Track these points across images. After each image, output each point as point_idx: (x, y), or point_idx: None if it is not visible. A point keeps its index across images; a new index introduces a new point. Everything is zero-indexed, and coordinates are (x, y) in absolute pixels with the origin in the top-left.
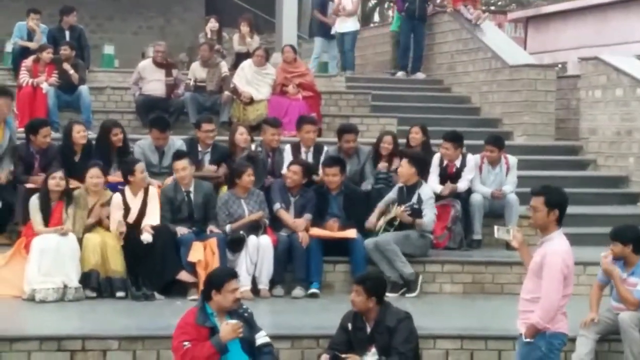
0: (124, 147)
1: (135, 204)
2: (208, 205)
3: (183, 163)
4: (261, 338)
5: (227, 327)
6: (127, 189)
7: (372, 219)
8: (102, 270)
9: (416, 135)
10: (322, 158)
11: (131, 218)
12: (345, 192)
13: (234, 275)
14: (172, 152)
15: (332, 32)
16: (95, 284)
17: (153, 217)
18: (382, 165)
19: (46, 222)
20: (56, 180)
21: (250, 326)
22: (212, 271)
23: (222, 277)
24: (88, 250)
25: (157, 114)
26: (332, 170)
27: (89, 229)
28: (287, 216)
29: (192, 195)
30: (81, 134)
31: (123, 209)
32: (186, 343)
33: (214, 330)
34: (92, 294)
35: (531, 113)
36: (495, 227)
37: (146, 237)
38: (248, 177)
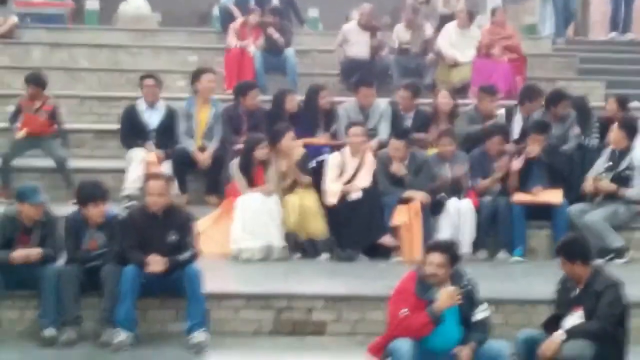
0: (330, 109)
1: (351, 166)
2: (417, 174)
3: (397, 144)
4: (480, 312)
5: (445, 294)
6: (346, 150)
7: (586, 184)
8: (302, 231)
9: (609, 107)
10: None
11: (344, 179)
12: (547, 156)
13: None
14: (377, 113)
15: None
16: (296, 245)
17: (363, 179)
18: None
19: (250, 184)
20: (264, 150)
21: (470, 301)
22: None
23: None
24: (287, 212)
25: (361, 74)
26: (541, 138)
27: (287, 190)
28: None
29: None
30: (294, 104)
31: (340, 169)
32: (404, 310)
33: (431, 303)
34: (297, 254)
35: None
36: None
37: (355, 194)
38: (448, 146)
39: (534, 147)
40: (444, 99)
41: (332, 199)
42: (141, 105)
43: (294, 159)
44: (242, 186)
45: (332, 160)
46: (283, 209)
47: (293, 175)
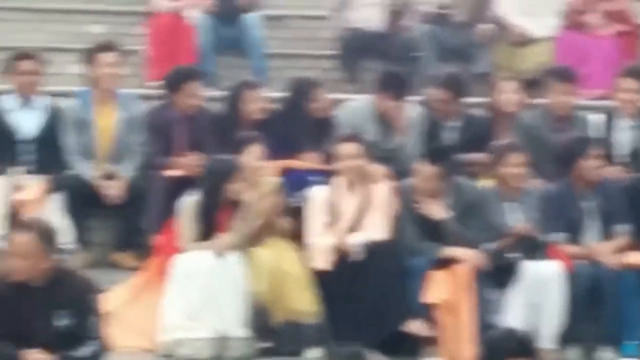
0: (326, 118)
1: (349, 207)
2: (465, 219)
3: (427, 171)
4: None
5: None
6: (337, 184)
7: None
8: (279, 308)
9: None
10: None
11: (340, 229)
12: None
13: None
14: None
15: None
16: (266, 330)
17: (375, 229)
18: None
19: (206, 234)
20: (239, 185)
21: None
22: None
23: None
24: (254, 277)
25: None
26: None
27: (255, 239)
28: (577, 248)
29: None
30: (257, 106)
31: (330, 214)
32: None
33: None
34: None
35: None
36: None
37: (357, 249)
38: (513, 169)
39: None
40: (510, 94)
41: (321, 261)
42: (9, 102)
43: (263, 189)
44: (188, 237)
45: (315, 199)
46: (250, 272)
47: (263, 215)
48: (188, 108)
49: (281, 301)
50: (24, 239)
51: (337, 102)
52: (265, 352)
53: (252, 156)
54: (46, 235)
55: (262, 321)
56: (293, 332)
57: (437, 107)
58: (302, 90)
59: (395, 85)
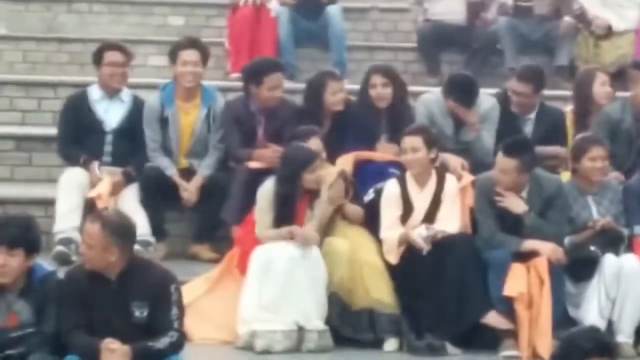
0: (396, 106)
1: (421, 201)
2: (545, 212)
3: (507, 163)
4: None
5: None
6: (409, 177)
7: None
8: (355, 297)
9: None
10: None
11: (413, 222)
12: None
13: None
14: (477, 115)
15: None
16: (343, 320)
17: (448, 222)
18: None
19: (284, 224)
20: (318, 173)
21: None
22: None
23: None
24: (330, 265)
25: (461, 74)
26: None
27: (327, 226)
28: None
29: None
30: (338, 97)
31: (402, 207)
32: None
33: None
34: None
35: None
36: None
37: (424, 242)
38: (595, 162)
39: None
40: (603, 86)
41: (390, 255)
42: (94, 94)
43: (329, 178)
44: (264, 228)
45: (387, 193)
46: (326, 261)
47: (332, 204)
48: (270, 100)
49: (358, 290)
50: (91, 229)
51: (418, 94)
52: (343, 342)
53: (315, 145)
54: (115, 227)
55: (338, 311)
56: (369, 321)
57: (516, 100)
58: (365, 78)
59: (459, 92)
